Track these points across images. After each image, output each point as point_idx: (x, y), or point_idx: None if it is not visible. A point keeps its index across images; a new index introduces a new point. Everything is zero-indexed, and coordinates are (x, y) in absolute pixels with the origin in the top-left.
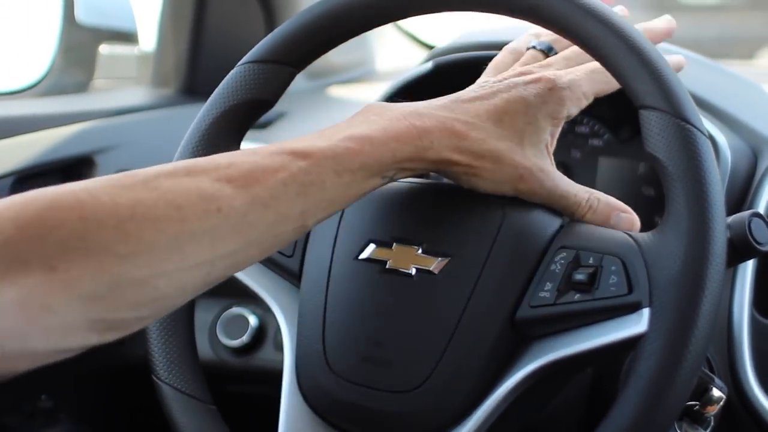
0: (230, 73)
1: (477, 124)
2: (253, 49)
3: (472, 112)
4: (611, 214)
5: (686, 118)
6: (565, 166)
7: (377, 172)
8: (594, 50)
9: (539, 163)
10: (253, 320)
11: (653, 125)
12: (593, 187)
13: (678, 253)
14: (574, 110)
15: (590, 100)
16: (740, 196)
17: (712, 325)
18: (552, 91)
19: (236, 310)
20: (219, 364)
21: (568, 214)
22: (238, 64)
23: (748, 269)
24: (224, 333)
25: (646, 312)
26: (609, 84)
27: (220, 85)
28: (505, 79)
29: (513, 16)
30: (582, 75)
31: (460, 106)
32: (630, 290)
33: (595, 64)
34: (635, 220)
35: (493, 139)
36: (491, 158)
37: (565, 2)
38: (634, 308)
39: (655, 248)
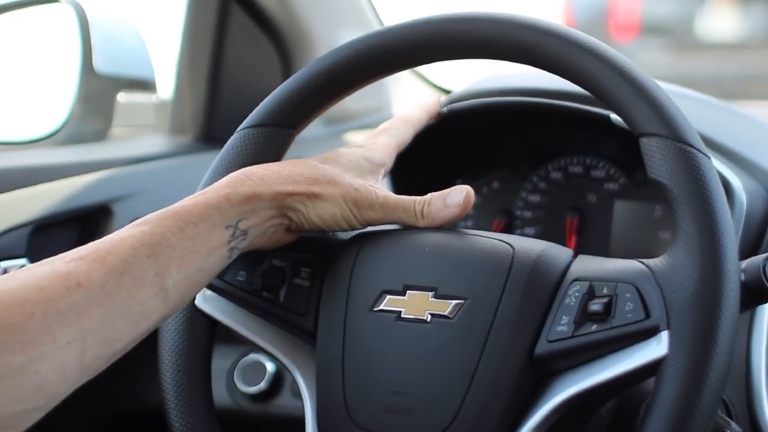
0: (230, 139)
1: (302, 163)
2: (252, 113)
3: (295, 161)
4: (444, 197)
5: (686, 141)
6: (580, 210)
7: (219, 221)
8: (591, 86)
9: (368, 182)
10: (270, 367)
11: (654, 151)
12: (609, 232)
13: (691, 273)
14: (384, 157)
15: (395, 147)
16: (756, 239)
17: (733, 342)
18: (359, 146)
19: (254, 356)
20: (237, 412)
21: (410, 216)
22: (238, 129)
23: (765, 313)
24: (242, 380)
25: (665, 335)
26: (403, 135)
27: (222, 152)
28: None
29: (508, 60)
30: (384, 131)
31: (286, 161)
32: (647, 315)
33: (388, 124)
34: (467, 190)
35: (320, 168)
36: (326, 180)
37: (557, 42)
38: (652, 333)
39: (667, 271)
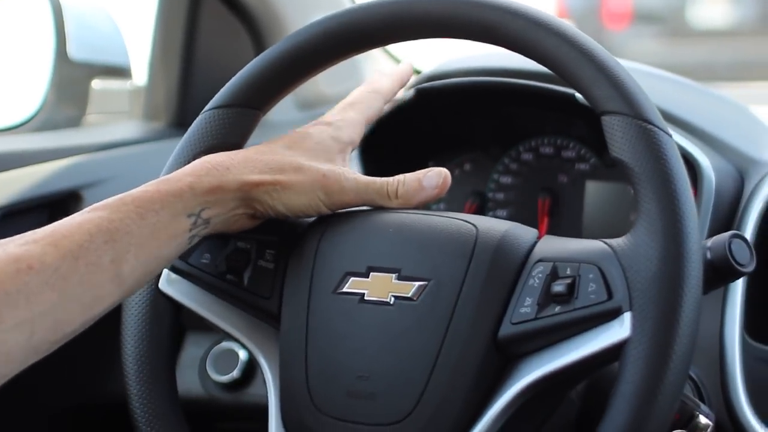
0: (196, 120)
1: (269, 150)
2: (218, 94)
3: (261, 146)
4: (419, 178)
5: (647, 119)
6: (552, 191)
7: (181, 209)
8: (553, 65)
9: (336, 166)
10: (243, 355)
11: (615, 129)
12: (581, 213)
13: (653, 253)
14: (353, 134)
15: (364, 123)
16: (727, 219)
17: (696, 323)
18: (328, 124)
19: (226, 344)
20: (209, 401)
21: (383, 197)
22: (203, 110)
23: (737, 292)
24: (214, 368)
25: (627, 316)
26: (373, 108)
27: (187, 133)
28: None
29: (470, 39)
30: (352, 105)
31: (253, 147)
32: (609, 296)
33: (356, 95)
34: (444, 172)
35: (287, 156)
36: (292, 169)
37: (518, 21)
38: (615, 314)
39: (630, 251)
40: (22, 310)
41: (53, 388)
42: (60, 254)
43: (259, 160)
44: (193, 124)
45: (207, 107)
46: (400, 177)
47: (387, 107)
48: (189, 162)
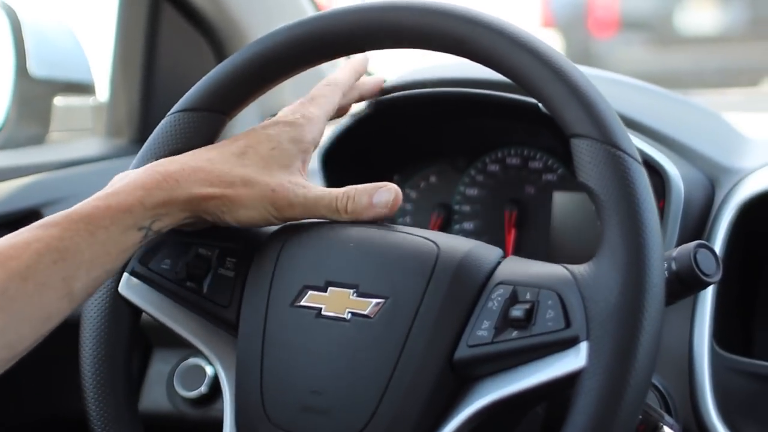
0: (161, 123)
1: (220, 159)
2: (183, 98)
3: (214, 153)
4: (370, 194)
5: (617, 144)
6: (518, 202)
7: (131, 224)
8: (523, 82)
9: (288, 177)
10: (210, 370)
11: (584, 153)
12: (549, 224)
13: (614, 284)
14: (314, 132)
15: (324, 118)
16: (697, 228)
17: (653, 357)
18: (288, 123)
19: (193, 360)
20: (177, 417)
21: (332, 212)
22: (169, 113)
23: (707, 302)
24: (181, 384)
25: (584, 346)
26: (332, 101)
27: (152, 136)
28: (249, 130)
29: (440, 51)
30: (311, 101)
31: (203, 152)
32: (567, 325)
33: (314, 91)
34: (394, 189)
35: (238, 167)
36: (241, 182)
37: (490, 35)
38: (571, 343)
39: (591, 280)
40: None
41: (26, 401)
42: (7, 275)
43: (210, 172)
44: (158, 127)
45: (172, 110)
46: (351, 191)
47: (345, 119)
48: None
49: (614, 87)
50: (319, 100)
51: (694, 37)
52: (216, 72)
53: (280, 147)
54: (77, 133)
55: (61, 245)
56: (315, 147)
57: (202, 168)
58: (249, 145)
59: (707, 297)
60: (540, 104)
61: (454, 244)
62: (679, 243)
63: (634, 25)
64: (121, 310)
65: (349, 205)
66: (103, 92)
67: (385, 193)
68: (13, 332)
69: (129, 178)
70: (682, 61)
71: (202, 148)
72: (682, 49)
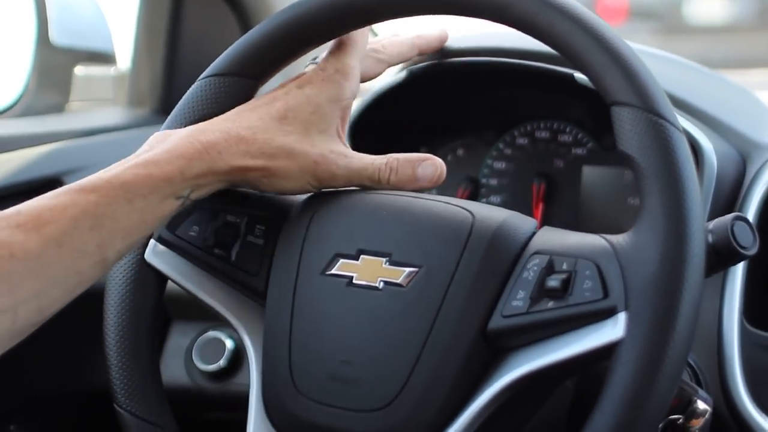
0: (191, 88)
1: (261, 127)
2: (215, 62)
3: (254, 117)
4: (414, 167)
5: (659, 113)
6: (547, 176)
7: (170, 193)
8: (564, 50)
9: (330, 146)
10: (229, 343)
11: (625, 122)
12: (578, 198)
13: (654, 254)
14: (353, 86)
15: (358, 66)
16: (729, 202)
17: (692, 329)
18: (325, 81)
19: (212, 333)
20: (195, 391)
21: (374, 182)
22: (200, 78)
23: (737, 278)
24: (200, 358)
25: (622, 317)
26: (362, 44)
27: (182, 100)
28: (284, 86)
29: (483, 18)
30: (349, 58)
31: (242, 115)
32: (605, 295)
33: (343, 38)
34: (439, 163)
35: (280, 136)
36: (284, 154)
37: (534, 2)
38: (609, 313)
39: (630, 250)
40: (5, 298)
41: (37, 375)
42: (43, 240)
43: (252, 143)
44: (189, 91)
45: (204, 74)
46: (393, 162)
47: (377, 87)
48: None
49: (649, 60)
50: (352, 47)
51: (703, 26)
52: (248, 37)
53: (320, 111)
54: (97, 102)
55: (99, 212)
56: (354, 99)
57: (244, 138)
58: (289, 108)
59: (737, 273)
60: (575, 74)
61: (489, 213)
62: (711, 217)
63: (642, 15)
64: (147, 277)
65: (392, 177)
66: (124, 62)
67: (431, 166)
68: (46, 297)
69: (169, 144)
70: (691, 50)
71: (240, 109)
72: (691, 38)
